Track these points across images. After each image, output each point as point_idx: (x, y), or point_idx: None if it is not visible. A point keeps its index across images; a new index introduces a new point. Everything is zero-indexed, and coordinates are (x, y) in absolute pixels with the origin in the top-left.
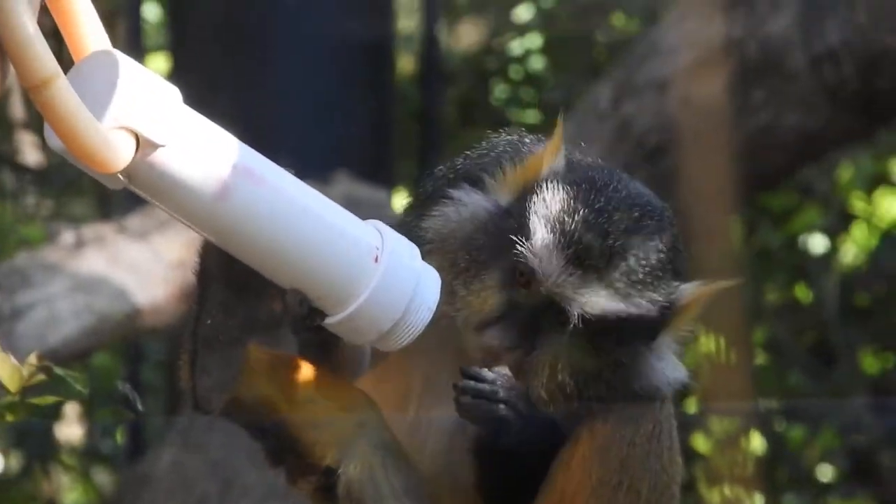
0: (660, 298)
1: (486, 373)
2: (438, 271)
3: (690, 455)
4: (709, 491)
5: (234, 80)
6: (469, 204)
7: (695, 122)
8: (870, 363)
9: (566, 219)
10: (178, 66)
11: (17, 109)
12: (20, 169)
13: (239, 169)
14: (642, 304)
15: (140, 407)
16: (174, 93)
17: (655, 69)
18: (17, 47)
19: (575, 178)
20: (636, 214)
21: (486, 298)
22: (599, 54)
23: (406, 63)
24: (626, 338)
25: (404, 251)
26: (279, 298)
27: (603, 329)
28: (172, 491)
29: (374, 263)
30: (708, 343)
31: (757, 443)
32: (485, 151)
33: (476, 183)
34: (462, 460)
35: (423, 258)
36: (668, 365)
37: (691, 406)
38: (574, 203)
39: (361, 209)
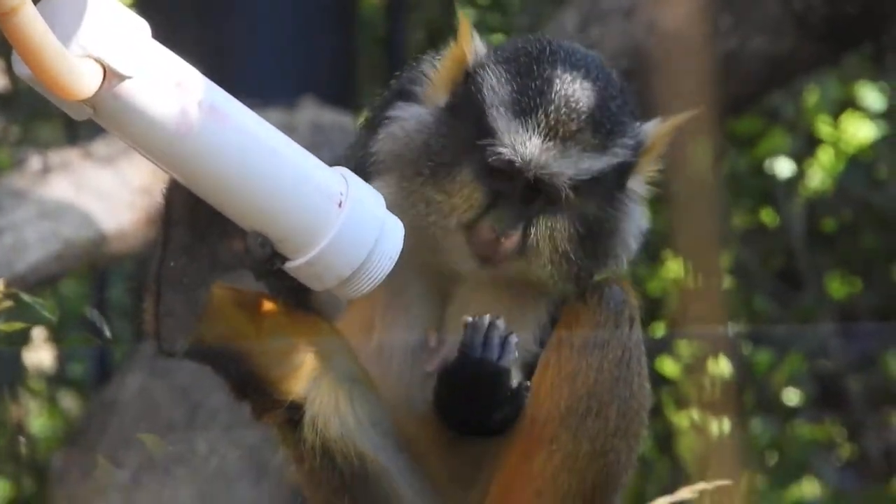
0: (630, 142)
1: (499, 323)
2: (405, 184)
3: (658, 380)
4: (676, 415)
5: (200, 9)
6: (409, 117)
7: (662, 47)
8: (836, 288)
9: (522, 98)
10: None
11: None
12: None
13: (204, 105)
14: (619, 152)
15: (107, 332)
16: (143, 26)
17: None
18: None
19: (506, 55)
20: (583, 70)
21: (468, 195)
22: None
23: None
24: (607, 190)
25: (369, 199)
26: (242, 241)
27: (589, 189)
28: (139, 416)
29: (337, 209)
30: (677, 267)
31: (724, 367)
32: (410, 71)
33: (409, 97)
34: (424, 383)
35: (383, 179)
36: (639, 210)
37: (659, 330)
38: (521, 80)
39: (327, 135)
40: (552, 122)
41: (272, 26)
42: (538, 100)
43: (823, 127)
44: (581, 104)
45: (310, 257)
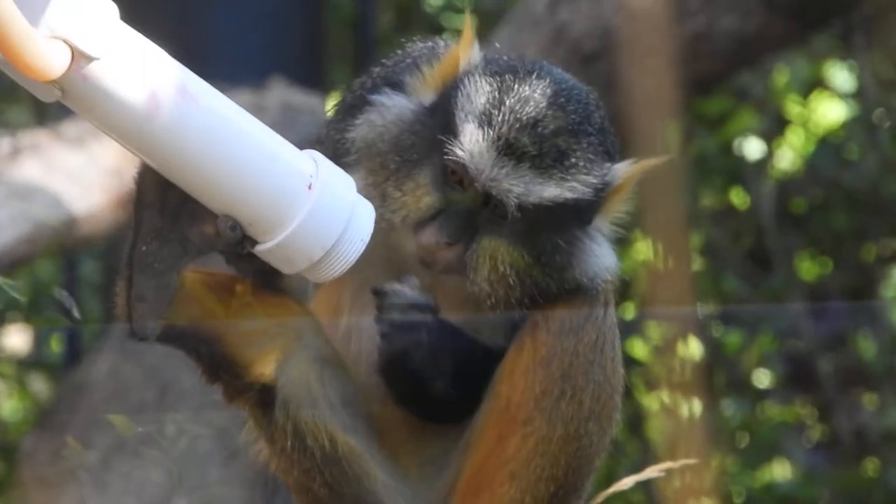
0: (593, 180)
1: (406, 289)
2: (370, 176)
3: (628, 361)
4: (647, 397)
5: None
6: (392, 107)
7: (630, 27)
8: (807, 268)
9: (493, 111)
10: None
11: None
12: None
13: (173, 88)
14: (577, 187)
15: (77, 314)
16: (111, 7)
17: None
18: None
19: (496, 69)
20: (562, 100)
21: (420, 197)
22: None
23: None
24: (563, 223)
25: (339, 182)
26: (212, 224)
27: (540, 216)
28: (109, 398)
29: (307, 192)
30: (646, 248)
31: (694, 348)
32: (401, 58)
33: (396, 86)
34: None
35: (353, 165)
36: (604, 250)
37: (629, 311)
38: (499, 94)
39: (295, 115)
40: (513, 141)
41: (241, 7)
42: (506, 116)
43: (793, 107)
44: (548, 131)
45: (279, 240)
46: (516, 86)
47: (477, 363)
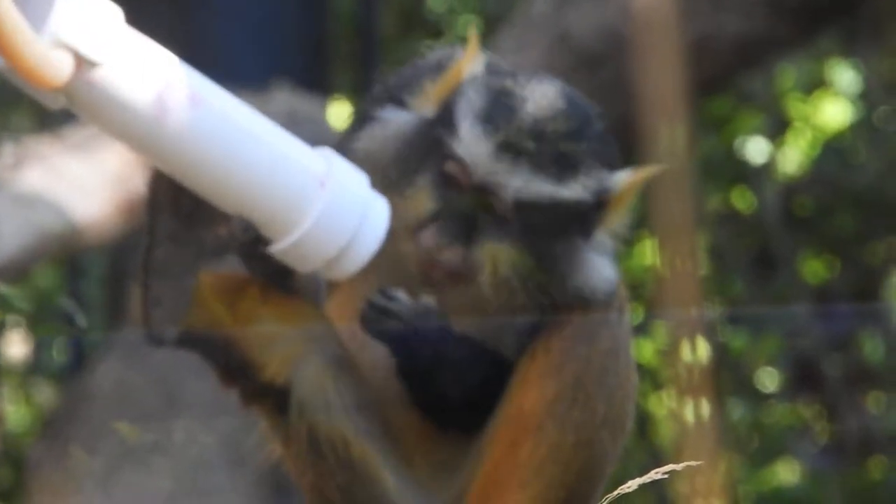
0: (592, 184)
1: (400, 295)
2: (375, 188)
3: (637, 364)
4: (654, 399)
5: None
6: (393, 121)
7: (635, 29)
8: (812, 270)
9: (492, 110)
10: None
11: None
12: None
13: (180, 89)
14: (575, 188)
15: (81, 321)
16: (115, 12)
17: None
18: None
19: (498, 76)
20: (563, 104)
21: (420, 201)
22: None
23: None
24: (563, 229)
25: (352, 178)
26: (227, 226)
27: (539, 219)
28: (115, 405)
29: (320, 190)
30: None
31: (702, 350)
32: (411, 68)
33: (401, 101)
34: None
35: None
36: (605, 262)
37: (637, 314)
38: (499, 97)
39: (300, 120)
40: (511, 138)
41: (242, 11)
42: (506, 115)
43: (797, 108)
44: (547, 131)
45: (294, 239)
46: (516, 90)
47: (487, 370)
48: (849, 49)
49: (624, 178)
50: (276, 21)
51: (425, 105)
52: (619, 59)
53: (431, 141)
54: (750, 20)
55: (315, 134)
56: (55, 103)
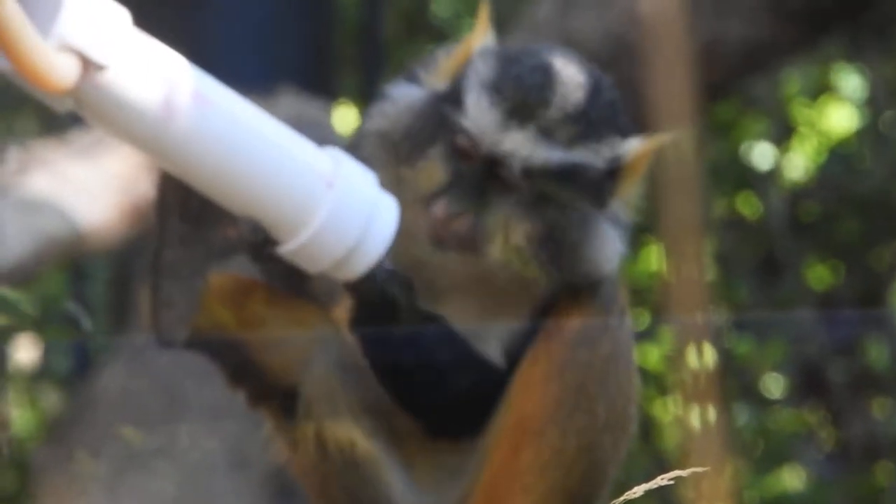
0: (604, 151)
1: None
2: (385, 165)
3: (641, 370)
4: (659, 404)
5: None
6: (403, 97)
7: (641, 35)
8: (817, 275)
9: (501, 78)
10: None
11: None
12: None
13: (187, 91)
14: (585, 154)
15: (87, 326)
16: (123, 14)
17: None
18: None
19: (507, 47)
20: (573, 69)
21: (430, 173)
22: None
23: None
24: (575, 197)
25: (360, 178)
26: (235, 228)
27: (551, 187)
28: (120, 410)
29: (328, 190)
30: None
31: (709, 356)
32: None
33: (412, 79)
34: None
35: (369, 157)
36: (617, 234)
37: (643, 319)
38: (508, 65)
39: (305, 124)
40: (519, 105)
41: (245, 14)
42: (514, 83)
43: (802, 114)
44: (556, 97)
45: (302, 239)
46: (526, 58)
47: (478, 375)
48: (854, 54)
49: (636, 146)
50: (280, 25)
51: (437, 79)
52: (624, 65)
53: (441, 115)
54: (755, 25)
55: (320, 138)
56: (62, 106)
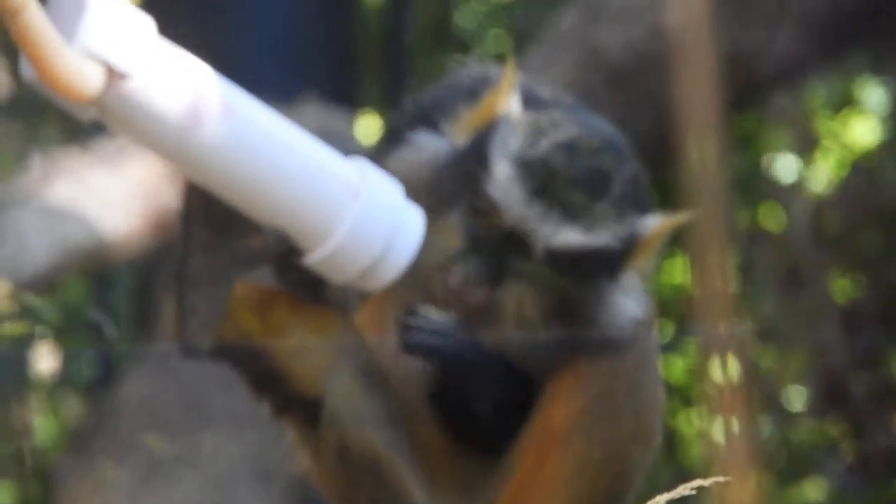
0: (621, 231)
1: (433, 312)
2: None
3: (666, 382)
4: (684, 416)
5: (197, 5)
6: (425, 148)
7: (665, 48)
8: (839, 287)
9: (527, 152)
10: None
11: None
12: None
13: (213, 100)
14: (606, 236)
15: (110, 334)
16: (148, 23)
17: None
18: None
19: (532, 114)
20: (597, 146)
21: (448, 237)
22: None
23: None
24: (591, 271)
25: (385, 188)
26: (260, 237)
27: (568, 263)
28: (143, 418)
29: (353, 199)
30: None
31: (734, 368)
32: (445, 88)
33: (434, 125)
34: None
35: None
36: (630, 301)
37: (668, 331)
38: (535, 137)
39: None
40: (544, 183)
41: (268, 23)
42: (541, 158)
43: (825, 127)
44: (581, 176)
45: (327, 250)
46: (553, 130)
47: (517, 389)
48: (878, 68)
49: (654, 223)
50: (304, 34)
51: (458, 133)
52: (648, 76)
53: (464, 174)
54: (779, 38)
55: (344, 148)
56: (86, 115)
